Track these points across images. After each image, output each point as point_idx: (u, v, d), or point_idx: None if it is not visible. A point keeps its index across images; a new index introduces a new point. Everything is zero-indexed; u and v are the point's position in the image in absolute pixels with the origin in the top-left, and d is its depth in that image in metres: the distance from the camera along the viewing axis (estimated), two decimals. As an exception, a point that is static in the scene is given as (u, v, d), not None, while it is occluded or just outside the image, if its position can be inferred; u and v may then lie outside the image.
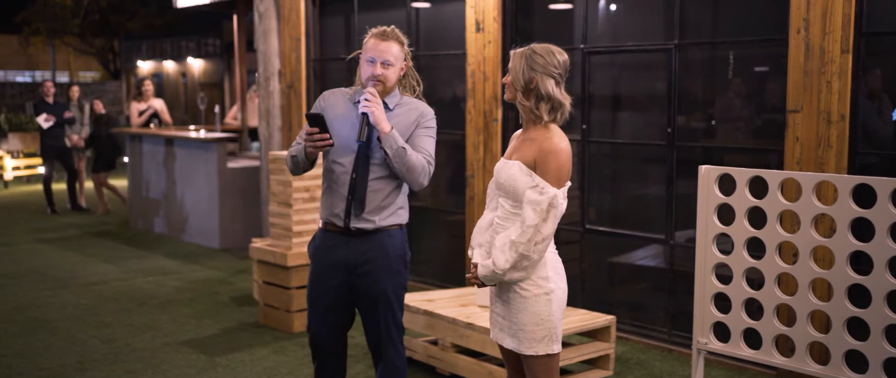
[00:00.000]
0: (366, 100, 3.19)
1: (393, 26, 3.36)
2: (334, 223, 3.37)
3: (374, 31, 3.32)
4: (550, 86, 2.98)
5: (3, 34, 42.90)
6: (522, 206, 2.92)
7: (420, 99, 3.47)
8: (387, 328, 3.40)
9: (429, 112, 3.39)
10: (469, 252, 3.23)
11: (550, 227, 2.89)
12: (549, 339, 3.04)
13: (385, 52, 3.26)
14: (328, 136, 3.21)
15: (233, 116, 10.70)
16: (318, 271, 3.44)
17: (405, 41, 3.35)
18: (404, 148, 3.19)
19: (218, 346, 5.38)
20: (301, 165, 3.37)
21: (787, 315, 3.80)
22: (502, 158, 3.14)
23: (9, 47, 43.98)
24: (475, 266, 3.08)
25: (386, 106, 3.34)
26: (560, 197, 2.92)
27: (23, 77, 46.05)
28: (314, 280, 3.45)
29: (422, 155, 3.26)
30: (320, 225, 3.48)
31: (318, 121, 3.19)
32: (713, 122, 5.27)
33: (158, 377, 4.81)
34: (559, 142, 2.95)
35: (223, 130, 9.94)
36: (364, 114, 3.19)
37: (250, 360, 5.09)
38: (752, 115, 5.15)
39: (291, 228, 5.59)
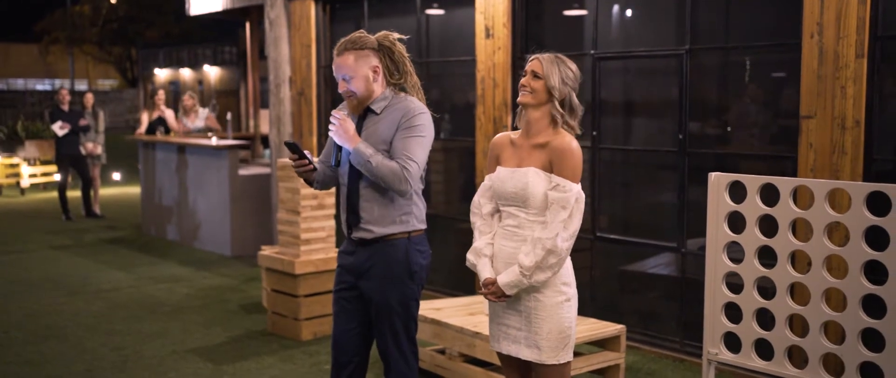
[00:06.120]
0: (331, 123, 3.24)
1: (360, 32, 3.27)
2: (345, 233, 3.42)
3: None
4: (575, 97, 3.08)
5: (23, 43, 43.41)
6: (548, 208, 2.95)
7: (417, 92, 3.36)
8: (394, 339, 3.35)
9: (413, 109, 3.25)
10: (470, 265, 3.18)
11: (577, 222, 2.96)
12: (568, 347, 3.08)
13: (341, 67, 3.26)
14: (306, 162, 3.28)
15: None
16: (337, 274, 3.49)
17: (368, 44, 3.24)
18: (369, 160, 3.17)
19: (226, 354, 5.36)
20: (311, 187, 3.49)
21: (799, 325, 3.72)
22: (503, 167, 3.09)
23: (29, 56, 44.52)
24: (490, 281, 3.04)
25: (373, 111, 3.31)
26: (582, 193, 2.98)
27: (43, 85, 46.58)
28: (335, 282, 3.50)
29: (399, 159, 3.18)
30: None
31: (293, 148, 3.24)
32: (726, 129, 5.20)
33: (165, 386, 4.79)
34: (571, 141, 3.01)
35: (227, 138, 9.94)
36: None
37: (257, 369, 5.06)
38: (765, 121, 5.07)
39: (299, 236, 5.56)
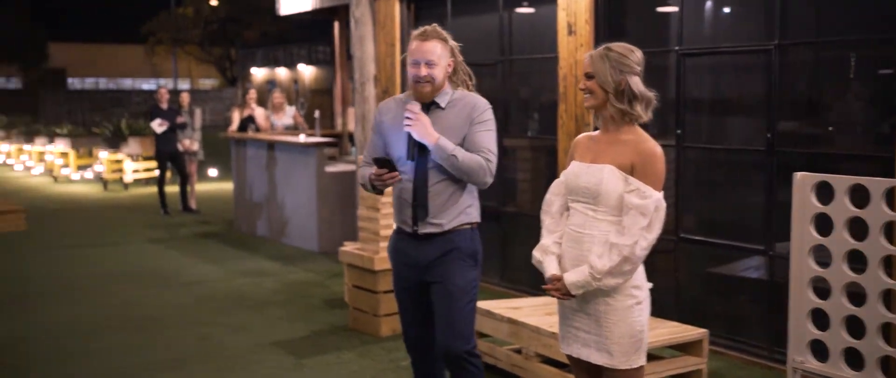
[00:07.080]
0: (408, 118, 3.24)
1: (434, 25, 3.36)
2: (403, 229, 3.44)
3: (415, 32, 3.35)
4: (637, 83, 2.94)
5: (130, 44, 45.43)
6: (625, 212, 2.86)
7: (473, 92, 3.46)
8: (461, 324, 3.37)
9: (482, 105, 3.36)
10: (536, 263, 3.12)
11: (657, 231, 2.86)
12: (641, 351, 3.00)
13: (427, 52, 3.28)
14: (397, 174, 3.27)
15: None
16: (396, 273, 3.54)
17: (448, 38, 3.36)
18: (454, 155, 3.21)
19: (307, 348, 5.45)
20: (372, 192, 3.47)
21: (894, 334, 3.52)
22: (577, 162, 3.03)
23: (136, 57, 46.57)
24: (556, 277, 2.98)
25: (437, 105, 3.34)
26: (663, 200, 2.87)
27: (148, 85, 48.67)
28: (395, 281, 3.55)
29: (480, 153, 3.25)
30: (394, 227, 3.54)
31: (386, 164, 3.25)
32: (817, 127, 4.96)
33: (247, 377, 4.91)
34: (656, 146, 2.91)
35: (319, 135, 10.11)
36: (409, 133, 3.27)
37: (337, 363, 5.13)
38: (859, 119, 4.82)
39: (379, 232, 5.61)
